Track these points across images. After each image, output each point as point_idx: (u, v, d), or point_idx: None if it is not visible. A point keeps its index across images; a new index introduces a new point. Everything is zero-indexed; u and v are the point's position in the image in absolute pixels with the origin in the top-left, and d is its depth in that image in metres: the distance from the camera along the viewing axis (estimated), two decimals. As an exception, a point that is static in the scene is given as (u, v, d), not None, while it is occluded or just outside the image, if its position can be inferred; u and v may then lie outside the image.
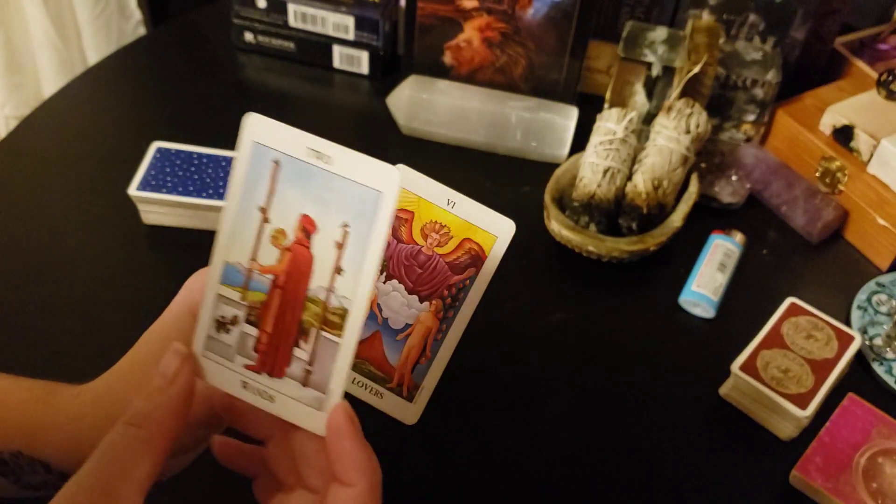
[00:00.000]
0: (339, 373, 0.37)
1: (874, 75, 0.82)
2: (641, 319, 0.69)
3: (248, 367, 0.39)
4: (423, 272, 0.44)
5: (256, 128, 0.38)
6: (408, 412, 0.44)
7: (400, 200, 0.39)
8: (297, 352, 0.38)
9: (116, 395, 0.40)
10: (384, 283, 0.44)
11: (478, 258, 0.43)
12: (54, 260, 0.69)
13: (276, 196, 0.38)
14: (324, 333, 0.38)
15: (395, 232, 0.44)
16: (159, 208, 0.70)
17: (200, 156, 0.72)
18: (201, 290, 0.41)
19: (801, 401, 0.59)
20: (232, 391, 0.39)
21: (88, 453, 0.38)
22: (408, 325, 0.43)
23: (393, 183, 0.36)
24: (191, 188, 0.69)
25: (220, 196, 0.69)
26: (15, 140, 0.80)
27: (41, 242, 0.70)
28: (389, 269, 0.44)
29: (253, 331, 0.39)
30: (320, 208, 0.37)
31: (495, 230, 0.43)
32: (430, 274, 0.43)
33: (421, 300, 0.43)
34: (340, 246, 0.37)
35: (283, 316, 0.39)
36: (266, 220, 0.38)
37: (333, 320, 0.37)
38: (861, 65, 0.85)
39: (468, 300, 0.43)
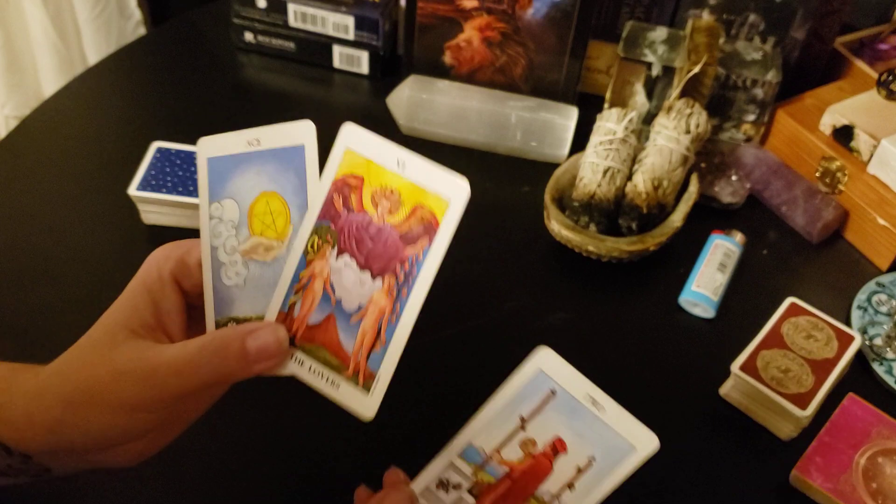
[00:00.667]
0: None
1: (874, 75, 0.82)
2: (641, 319, 0.69)
3: None
4: (374, 245, 0.40)
5: (546, 359, 0.43)
6: (364, 405, 0.41)
7: (350, 165, 0.40)
8: None
9: (71, 374, 0.40)
10: (336, 259, 0.41)
11: (430, 227, 0.39)
12: (54, 260, 0.69)
13: (541, 415, 0.43)
14: None
15: (345, 201, 0.41)
16: (159, 208, 0.70)
17: (200, 156, 0.72)
18: (156, 264, 0.43)
19: (801, 401, 0.59)
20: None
21: (41, 432, 0.39)
22: (361, 307, 0.40)
23: (648, 446, 0.41)
24: (191, 188, 0.69)
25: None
26: (15, 140, 0.80)
27: (41, 242, 0.70)
28: (340, 242, 0.41)
29: (471, 500, 0.43)
30: (577, 438, 0.42)
31: (447, 193, 0.38)
32: (381, 247, 0.40)
33: (373, 276, 0.40)
34: (580, 471, 0.42)
35: (505, 500, 0.43)
36: (523, 429, 0.43)
37: None
38: (861, 65, 0.85)
39: (422, 276, 0.39)
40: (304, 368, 0.42)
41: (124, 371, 0.39)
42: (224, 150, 0.43)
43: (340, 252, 0.41)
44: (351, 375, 0.41)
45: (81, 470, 0.42)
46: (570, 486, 0.42)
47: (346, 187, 0.41)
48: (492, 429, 0.43)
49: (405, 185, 0.39)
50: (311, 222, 0.41)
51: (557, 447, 0.42)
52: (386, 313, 0.40)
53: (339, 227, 0.41)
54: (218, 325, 0.45)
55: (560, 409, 0.43)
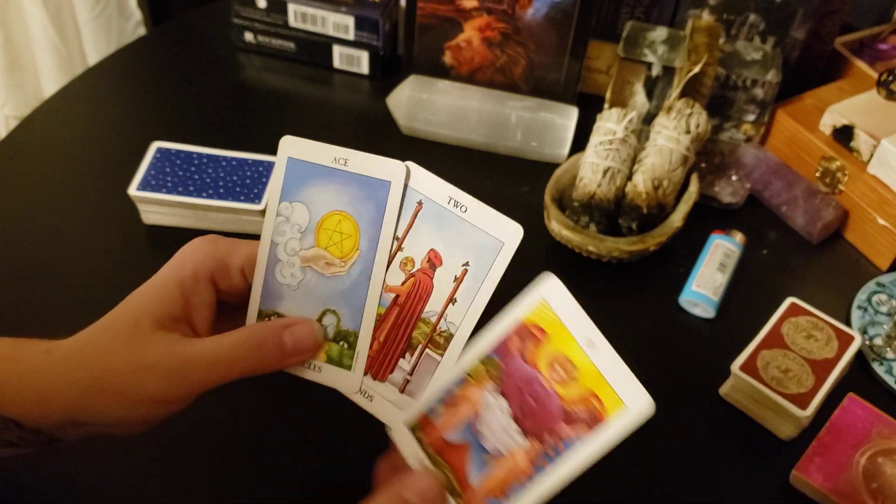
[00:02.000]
0: (433, 385, 0.42)
1: (874, 75, 0.82)
2: (641, 319, 0.69)
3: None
4: (533, 403, 0.40)
5: (413, 174, 0.43)
6: None
7: (540, 317, 0.41)
8: (401, 363, 0.43)
9: (86, 356, 0.39)
10: (493, 396, 0.41)
11: (595, 419, 0.38)
12: (54, 260, 0.69)
13: (413, 230, 0.43)
14: (428, 350, 0.43)
15: (521, 349, 0.41)
16: (159, 208, 0.70)
17: (200, 156, 0.72)
18: (193, 261, 0.43)
19: (802, 401, 0.59)
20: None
21: (54, 410, 0.38)
22: (500, 453, 0.40)
23: (515, 236, 0.41)
24: (191, 188, 0.69)
25: (220, 196, 0.69)
26: (15, 140, 0.80)
27: (41, 242, 0.70)
28: (503, 385, 0.41)
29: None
30: (448, 247, 0.42)
31: (627, 398, 0.38)
32: (541, 409, 0.39)
33: (521, 432, 0.40)
34: (458, 280, 0.42)
35: (396, 329, 0.43)
36: (400, 249, 0.43)
37: (438, 341, 0.43)
38: (861, 65, 0.85)
39: (569, 459, 0.38)
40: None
41: (150, 364, 0.39)
42: (307, 157, 0.44)
43: (500, 393, 0.41)
44: None
45: (90, 437, 0.42)
46: (453, 300, 0.42)
47: (528, 336, 0.41)
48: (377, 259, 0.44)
49: (587, 367, 0.39)
50: (483, 350, 0.42)
51: (433, 260, 0.43)
52: (521, 473, 0.39)
53: (506, 370, 0.41)
54: (261, 315, 0.45)
55: (428, 219, 0.43)
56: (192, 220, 0.70)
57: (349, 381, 0.44)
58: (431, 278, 0.43)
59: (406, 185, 0.43)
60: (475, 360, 0.42)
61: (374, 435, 0.44)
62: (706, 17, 0.82)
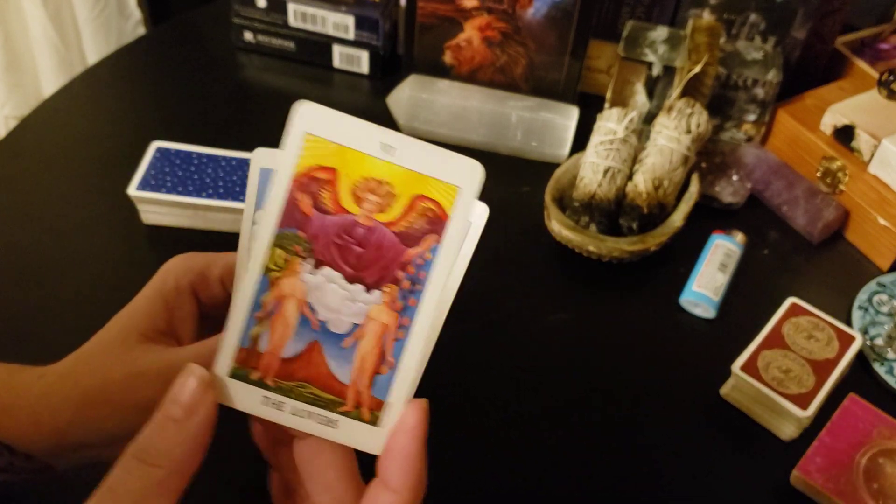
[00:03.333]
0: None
1: (875, 75, 0.82)
2: (641, 319, 0.69)
3: None
4: (364, 251, 0.33)
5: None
6: (373, 439, 0.34)
7: (316, 155, 0.33)
8: None
9: (78, 377, 0.40)
10: (312, 273, 0.33)
11: (437, 220, 0.33)
12: (54, 260, 0.68)
13: None
14: None
15: (315, 200, 0.33)
16: (159, 208, 0.70)
17: (200, 156, 0.72)
18: (174, 273, 0.43)
19: (802, 401, 0.59)
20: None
21: (48, 434, 0.39)
22: (356, 326, 0.34)
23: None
24: (191, 188, 0.69)
25: (220, 196, 0.69)
26: (15, 140, 0.80)
27: (41, 242, 0.70)
28: (316, 252, 0.33)
29: None
30: None
31: (456, 177, 0.33)
32: (374, 252, 0.33)
33: (368, 289, 0.33)
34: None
35: None
36: None
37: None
38: (862, 64, 0.85)
39: (434, 279, 0.33)
40: (285, 413, 0.34)
41: (139, 372, 0.39)
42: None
43: (318, 264, 0.33)
44: (351, 409, 0.34)
45: (83, 464, 0.42)
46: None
47: (313, 183, 0.33)
48: None
49: (397, 174, 0.32)
50: (268, 233, 0.33)
51: None
52: (391, 329, 0.33)
53: (311, 235, 0.33)
54: None
55: None
56: (192, 220, 0.70)
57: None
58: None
59: None
60: (267, 248, 0.33)
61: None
62: (707, 16, 0.82)
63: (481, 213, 0.34)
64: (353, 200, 0.33)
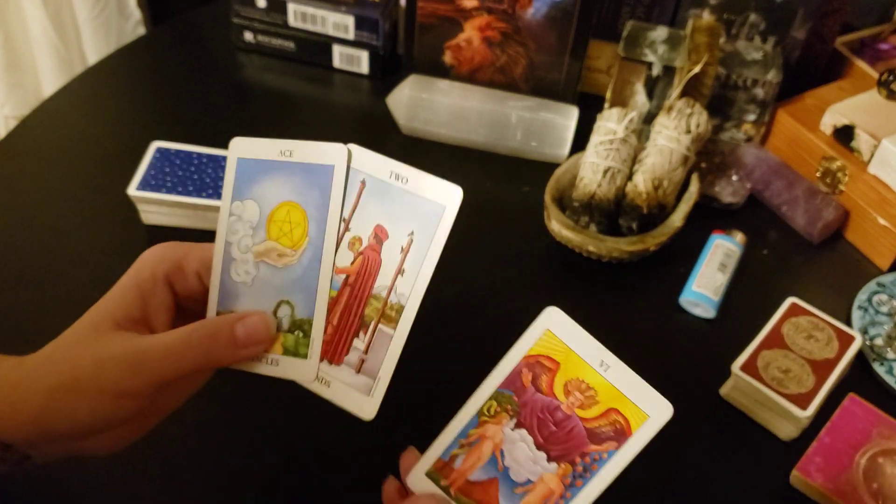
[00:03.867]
0: (389, 362, 0.42)
1: (875, 75, 0.82)
2: (641, 319, 0.69)
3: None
4: (557, 430, 0.41)
5: (356, 155, 0.43)
6: None
7: (548, 347, 0.42)
8: (356, 342, 0.43)
9: (52, 365, 0.40)
10: (513, 429, 0.42)
11: (622, 433, 0.39)
12: (54, 260, 0.68)
13: (358, 210, 0.43)
14: (381, 326, 0.42)
15: (535, 380, 0.42)
16: (159, 208, 0.70)
17: (200, 156, 0.72)
18: (151, 263, 0.44)
19: (802, 401, 0.59)
20: (303, 380, 0.44)
21: (25, 421, 0.39)
22: (530, 481, 0.41)
23: (455, 199, 0.41)
24: (190, 188, 0.69)
25: (220, 196, 0.69)
26: (15, 140, 0.80)
27: (41, 242, 0.70)
28: (521, 417, 0.42)
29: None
30: (393, 220, 0.42)
31: (648, 408, 0.39)
32: (565, 434, 0.40)
33: (549, 459, 0.41)
34: (405, 251, 0.42)
35: (349, 310, 0.43)
36: (347, 229, 0.43)
37: (390, 314, 0.42)
38: (862, 64, 0.85)
39: (600, 475, 0.39)
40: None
41: (108, 357, 0.40)
42: (255, 154, 0.45)
43: (519, 425, 0.42)
44: None
45: (61, 458, 0.43)
46: (401, 272, 0.42)
47: (538, 367, 0.42)
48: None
49: (604, 386, 0.40)
50: (492, 386, 0.42)
51: (379, 235, 0.43)
52: (555, 495, 0.40)
53: (522, 402, 0.42)
54: (219, 315, 0.46)
55: (372, 196, 0.43)
56: (192, 220, 0.70)
57: (306, 370, 0.44)
58: (379, 253, 0.43)
59: (349, 167, 0.43)
60: (487, 398, 0.43)
61: (368, 436, 0.44)
62: (707, 16, 0.82)
63: (456, 196, 0.41)
64: (563, 391, 0.41)
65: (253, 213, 0.45)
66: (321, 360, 0.43)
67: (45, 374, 0.40)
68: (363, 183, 0.43)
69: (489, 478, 0.41)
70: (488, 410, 0.42)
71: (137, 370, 0.40)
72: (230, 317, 0.43)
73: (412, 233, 0.42)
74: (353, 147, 0.43)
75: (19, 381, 0.40)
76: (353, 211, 0.43)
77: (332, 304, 0.43)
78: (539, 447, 0.41)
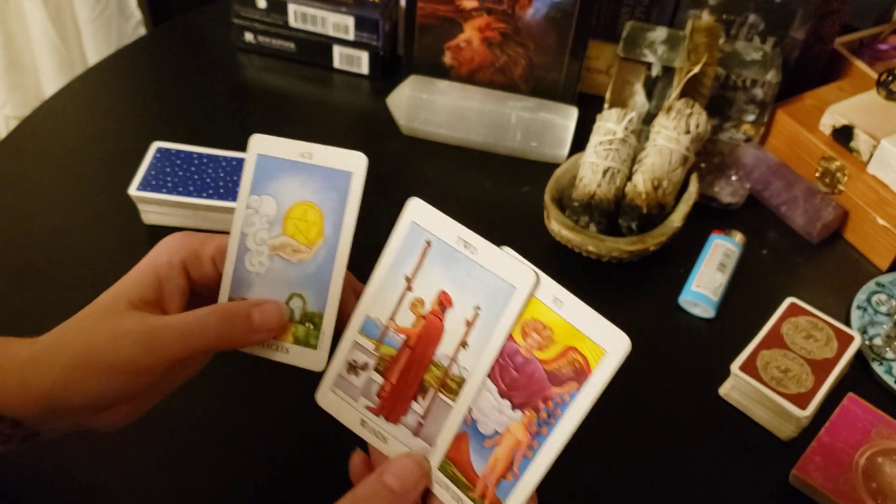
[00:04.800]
0: (448, 432, 0.42)
1: (874, 75, 0.82)
2: (641, 319, 0.69)
3: (369, 408, 0.44)
4: (518, 376, 0.40)
5: (417, 210, 0.43)
6: None
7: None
8: (414, 405, 0.43)
9: (66, 342, 0.41)
10: None
11: (581, 372, 0.39)
12: (54, 260, 0.69)
13: (422, 270, 0.43)
14: (440, 395, 0.42)
15: None
16: (159, 208, 0.70)
17: (200, 156, 0.72)
18: (168, 250, 0.45)
19: (801, 401, 0.59)
20: (350, 426, 0.45)
21: (36, 398, 0.40)
22: (497, 433, 0.41)
23: (527, 282, 0.40)
24: (191, 188, 0.69)
25: (220, 196, 0.69)
26: (15, 140, 0.80)
27: (41, 242, 0.70)
28: None
29: (379, 379, 0.44)
30: (459, 289, 0.42)
31: (605, 343, 0.39)
32: (526, 379, 0.40)
33: (513, 407, 0.40)
34: (469, 324, 0.41)
35: (408, 372, 0.43)
36: (409, 289, 0.43)
37: (451, 385, 0.42)
38: (861, 65, 0.85)
39: (565, 420, 0.39)
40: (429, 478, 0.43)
41: (123, 334, 0.41)
42: (275, 153, 0.46)
43: None
44: (478, 497, 0.41)
45: (67, 433, 0.43)
46: (464, 344, 0.41)
47: None
48: (382, 297, 0.44)
49: (560, 324, 0.40)
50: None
51: (444, 302, 0.42)
52: (522, 446, 0.40)
53: None
54: (230, 301, 0.47)
55: (438, 260, 0.42)
56: (192, 220, 0.70)
57: (315, 359, 0.45)
58: (442, 320, 0.42)
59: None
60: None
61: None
62: (706, 17, 0.82)
63: (529, 279, 0.40)
64: (521, 333, 0.40)
65: (270, 209, 0.46)
66: (378, 415, 0.44)
67: (58, 350, 0.41)
68: (428, 244, 0.43)
69: (459, 433, 0.42)
70: None
71: (152, 347, 0.41)
72: (247, 302, 0.44)
73: (479, 307, 0.41)
74: (418, 203, 0.43)
75: (32, 359, 0.40)
76: (416, 271, 0.43)
77: (391, 362, 0.44)
78: (503, 395, 0.41)
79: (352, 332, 0.45)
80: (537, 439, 0.40)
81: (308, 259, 0.45)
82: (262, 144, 0.46)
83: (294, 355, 0.45)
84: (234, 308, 0.43)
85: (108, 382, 0.40)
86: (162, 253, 0.45)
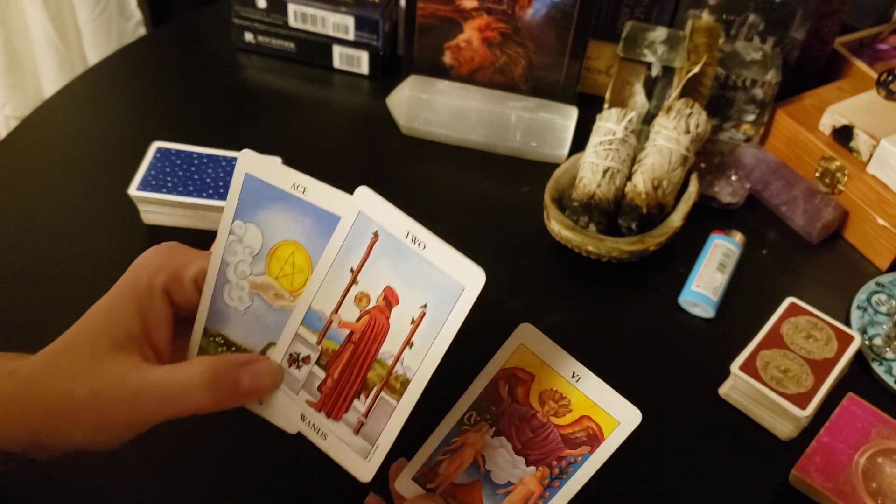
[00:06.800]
0: (390, 432, 0.41)
1: (874, 75, 0.82)
2: (641, 319, 0.69)
3: (309, 402, 0.43)
4: (534, 437, 0.43)
5: (365, 200, 0.41)
6: None
7: (522, 360, 0.44)
8: (356, 403, 0.42)
9: (47, 379, 0.39)
10: (492, 436, 0.44)
11: (595, 439, 0.42)
12: (54, 260, 0.69)
13: (369, 264, 0.41)
14: (383, 394, 0.41)
15: (511, 391, 0.44)
16: (159, 208, 0.70)
17: (200, 156, 0.72)
18: (147, 272, 0.42)
19: (801, 401, 0.59)
20: (290, 421, 0.43)
21: (21, 433, 0.39)
22: (510, 483, 0.43)
23: (477, 282, 0.38)
24: (191, 188, 0.69)
25: (220, 196, 0.69)
26: (15, 140, 0.80)
27: (41, 242, 0.70)
28: (500, 426, 0.44)
29: (321, 373, 0.42)
30: (406, 285, 0.40)
31: (619, 416, 0.41)
32: (541, 440, 0.43)
33: (528, 463, 0.43)
34: (415, 322, 0.40)
35: (350, 368, 0.42)
36: (355, 282, 0.41)
37: (394, 385, 0.41)
38: (861, 65, 0.85)
39: (576, 477, 0.42)
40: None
41: (105, 392, 0.39)
42: (265, 177, 0.43)
43: (498, 433, 0.44)
44: None
45: (68, 454, 0.42)
46: (410, 343, 0.40)
47: (514, 378, 0.44)
48: (327, 288, 0.42)
49: (577, 396, 0.42)
50: (470, 398, 0.44)
51: (389, 299, 0.41)
52: (534, 496, 0.42)
53: (500, 411, 0.44)
54: (206, 333, 0.45)
55: (385, 253, 0.40)
56: (192, 220, 0.70)
57: (290, 412, 0.43)
58: (388, 318, 0.41)
59: (357, 220, 0.41)
60: (467, 408, 0.45)
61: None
62: (706, 17, 0.82)
63: (478, 280, 0.39)
64: (538, 401, 0.43)
65: (255, 240, 0.43)
66: (319, 410, 0.43)
67: (39, 392, 0.39)
68: (376, 235, 0.41)
69: (472, 480, 0.43)
70: (469, 419, 0.44)
71: (134, 410, 0.39)
72: (234, 361, 0.41)
73: (425, 305, 0.39)
74: (367, 193, 0.41)
75: (12, 396, 0.39)
76: (363, 263, 0.41)
77: (333, 357, 0.42)
78: (518, 452, 0.43)
79: (293, 324, 0.42)
80: (549, 490, 0.42)
81: (290, 308, 0.43)
82: (251, 163, 0.43)
83: (268, 408, 0.44)
84: (221, 370, 0.40)
85: (93, 435, 0.39)
86: (140, 278, 0.42)
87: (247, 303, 0.44)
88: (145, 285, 0.42)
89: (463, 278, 0.39)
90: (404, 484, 0.45)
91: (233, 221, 0.44)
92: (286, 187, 0.42)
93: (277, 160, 0.42)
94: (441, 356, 0.39)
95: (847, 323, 0.68)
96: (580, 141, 0.77)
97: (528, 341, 0.44)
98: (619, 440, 0.41)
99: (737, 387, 0.62)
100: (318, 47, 0.90)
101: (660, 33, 0.81)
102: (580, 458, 0.42)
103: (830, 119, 0.77)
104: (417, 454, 0.45)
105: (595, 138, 0.73)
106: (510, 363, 0.44)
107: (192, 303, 0.44)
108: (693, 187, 0.73)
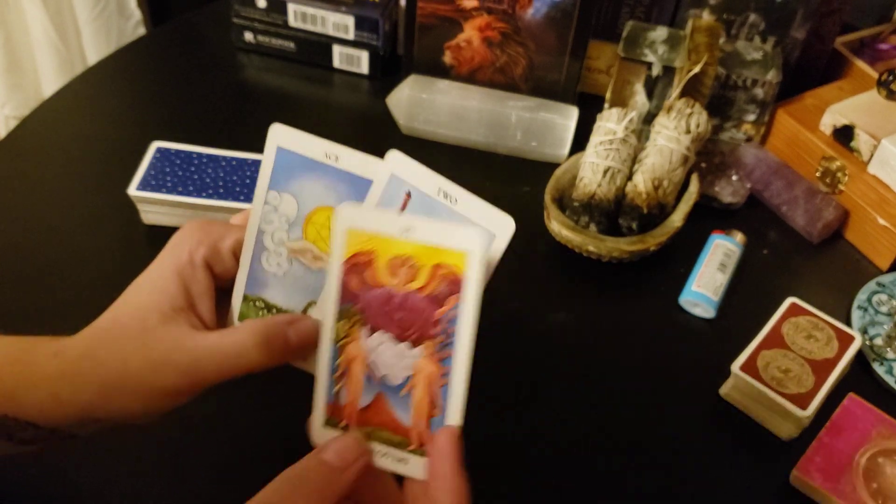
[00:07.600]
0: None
1: (874, 75, 0.82)
2: (641, 319, 0.69)
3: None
4: (402, 314, 0.40)
5: (397, 162, 0.42)
6: None
7: (355, 244, 0.41)
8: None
9: (97, 360, 0.40)
10: (369, 337, 0.41)
11: (455, 281, 0.38)
12: (54, 260, 0.69)
13: None
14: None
15: (361, 280, 0.41)
16: (159, 208, 0.70)
17: (200, 156, 0.72)
18: (188, 247, 0.44)
19: (802, 401, 0.59)
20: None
21: (70, 411, 0.40)
22: (408, 377, 0.40)
23: (507, 230, 0.39)
24: (191, 188, 0.69)
25: (220, 196, 0.69)
26: (15, 140, 0.80)
27: (41, 242, 0.70)
28: (368, 320, 0.41)
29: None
30: None
31: (464, 244, 0.38)
32: (411, 314, 0.39)
33: (412, 346, 0.40)
34: None
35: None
36: None
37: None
38: (861, 65, 0.85)
39: (461, 331, 0.39)
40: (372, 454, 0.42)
41: (160, 361, 0.40)
42: (297, 148, 0.44)
43: (372, 330, 0.41)
44: (417, 448, 0.40)
45: (109, 428, 0.43)
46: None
47: (357, 266, 0.41)
48: None
49: (417, 249, 0.39)
50: (331, 310, 0.41)
51: None
52: (435, 377, 0.39)
53: (361, 307, 0.41)
54: (246, 300, 0.46)
55: (418, 211, 0.41)
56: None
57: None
58: None
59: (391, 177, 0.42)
60: (333, 323, 0.42)
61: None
62: (706, 16, 0.82)
63: (509, 227, 0.39)
64: (389, 275, 0.40)
65: (290, 208, 0.44)
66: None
67: (90, 369, 0.40)
68: (408, 195, 0.42)
69: (373, 396, 0.41)
70: (339, 333, 0.41)
71: (191, 375, 0.40)
72: (281, 320, 0.42)
73: None
74: (398, 155, 0.42)
75: (62, 374, 0.40)
76: None
77: None
78: (399, 339, 0.40)
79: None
80: (446, 363, 0.39)
81: (326, 267, 0.43)
82: (282, 136, 0.44)
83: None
84: (271, 330, 0.41)
85: (149, 403, 0.41)
86: (181, 253, 0.44)
87: (285, 267, 0.45)
88: (187, 260, 0.43)
89: (494, 227, 0.40)
90: (318, 433, 0.42)
91: (267, 192, 0.45)
92: (319, 157, 0.44)
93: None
94: (477, 306, 0.38)
95: (848, 323, 0.68)
96: (580, 141, 0.77)
97: (352, 222, 0.41)
98: (478, 268, 0.38)
99: (737, 387, 0.62)
100: (317, 47, 0.90)
101: (660, 33, 0.81)
102: (454, 312, 0.38)
103: (831, 119, 0.77)
104: (315, 397, 0.42)
105: (595, 138, 0.73)
106: (346, 253, 0.41)
107: (231, 273, 0.46)
108: (694, 187, 0.73)
